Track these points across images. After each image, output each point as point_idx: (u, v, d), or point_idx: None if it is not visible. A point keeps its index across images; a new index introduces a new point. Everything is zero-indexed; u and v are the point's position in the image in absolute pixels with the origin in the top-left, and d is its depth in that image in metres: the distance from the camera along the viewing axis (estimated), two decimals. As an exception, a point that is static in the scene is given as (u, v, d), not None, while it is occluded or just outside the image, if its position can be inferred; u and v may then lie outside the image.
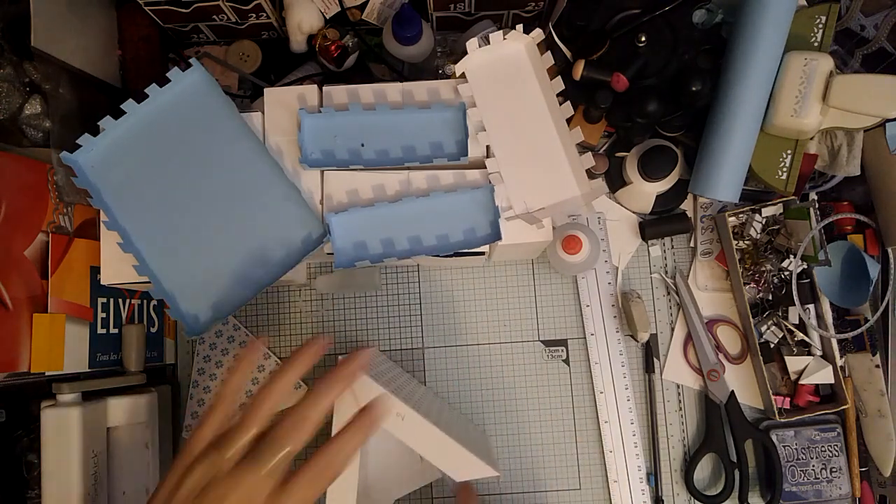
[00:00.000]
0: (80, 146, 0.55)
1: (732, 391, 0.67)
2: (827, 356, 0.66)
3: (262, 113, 0.58)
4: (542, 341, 0.70)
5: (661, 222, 0.70)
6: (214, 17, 0.67)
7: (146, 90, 0.56)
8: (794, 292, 0.64)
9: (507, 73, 0.58)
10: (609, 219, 0.71)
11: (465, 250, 0.57)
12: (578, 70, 0.62)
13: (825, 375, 0.65)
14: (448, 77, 0.64)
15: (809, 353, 0.67)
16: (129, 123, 0.57)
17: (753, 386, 0.68)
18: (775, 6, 0.58)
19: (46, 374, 0.53)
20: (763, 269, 0.67)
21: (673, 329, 0.70)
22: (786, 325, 0.66)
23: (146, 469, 0.60)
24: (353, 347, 0.70)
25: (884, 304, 0.64)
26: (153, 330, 0.67)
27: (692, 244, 0.70)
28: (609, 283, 0.70)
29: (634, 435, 0.68)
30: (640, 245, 0.71)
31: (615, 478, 0.67)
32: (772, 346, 0.67)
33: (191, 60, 0.57)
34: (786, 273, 0.66)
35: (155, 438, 0.61)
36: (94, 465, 0.55)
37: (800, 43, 0.61)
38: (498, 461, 0.68)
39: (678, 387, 0.69)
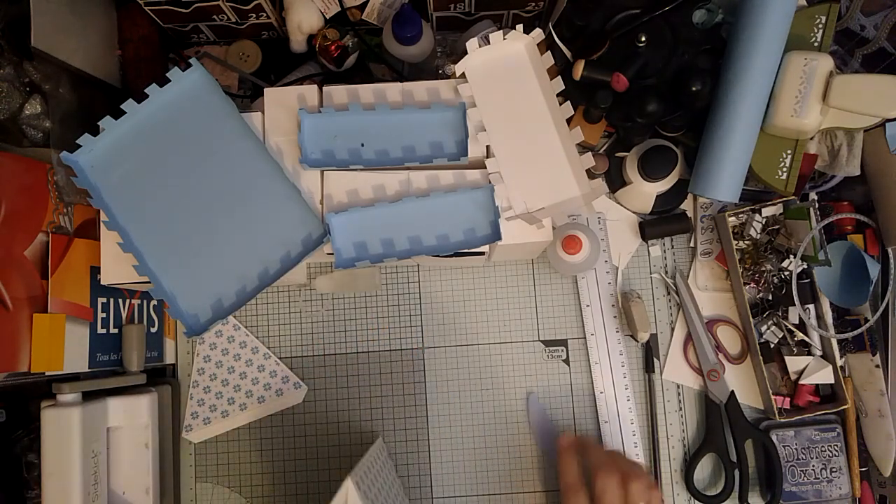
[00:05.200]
0: (80, 146, 0.55)
1: (732, 391, 0.67)
2: (827, 356, 0.66)
3: (262, 113, 0.58)
4: (542, 341, 0.70)
5: (661, 222, 0.70)
6: (214, 17, 0.67)
7: (146, 90, 0.56)
8: (794, 292, 0.64)
9: (507, 73, 0.58)
10: (609, 219, 0.71)
11: (465, 250, 0.57)
12: (578, 70, 0.62)
13: (825, 375, 0.65)
14: (448, 77, 0.64)
15: (809, 353, 0.66)
16: (129, 123, 0.57)
17: (753, 386, 0.68)
18: (775, 6, 0.58)
19: (46, 374, 0.53)
20: (763, 269, 0.67)
21: (673, 329, 0.70)
22: (786, 325, 0.66)
23: (146, 469, 0.60)
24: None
25: (884, 304, 0.64)
26: (153, 330, 0.67)
27: (692, 244, 0.70)
28: (609, 283, 0.70)
29: (634, 435, 0.68)
30: (640, 245, 0.71)
31: (615, 478, 0.67)
32: (772, 346, 0.67)
33: (191, 60, 0.57)
34: (786, 273, 0.66)
35: (155, 438, 0.61)
36: (94, 465, 0.55)
37: (800, 43, 0.61)
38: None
39: (678, 387, 0.69)
